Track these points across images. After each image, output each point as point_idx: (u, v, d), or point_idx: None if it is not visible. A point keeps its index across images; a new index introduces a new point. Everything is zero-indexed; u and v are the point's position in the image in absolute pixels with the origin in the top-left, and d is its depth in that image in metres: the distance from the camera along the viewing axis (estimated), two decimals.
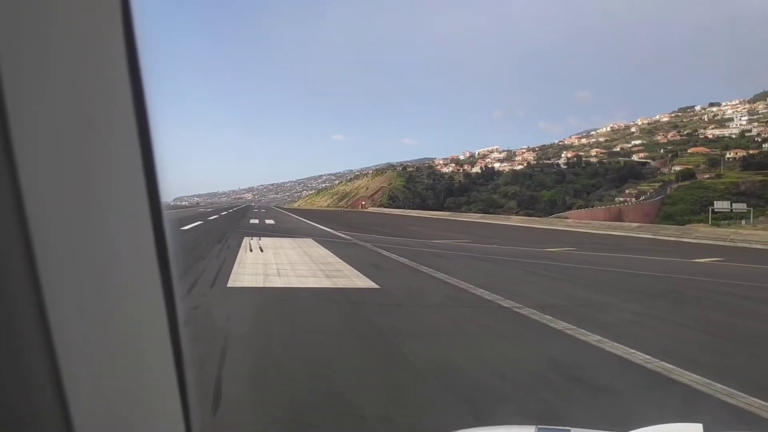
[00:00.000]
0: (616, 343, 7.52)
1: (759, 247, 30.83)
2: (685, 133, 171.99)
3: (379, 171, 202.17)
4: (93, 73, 0.69)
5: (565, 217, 73.28)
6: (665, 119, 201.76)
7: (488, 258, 19.90)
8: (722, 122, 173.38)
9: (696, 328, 9.05)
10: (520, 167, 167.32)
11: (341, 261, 16.74)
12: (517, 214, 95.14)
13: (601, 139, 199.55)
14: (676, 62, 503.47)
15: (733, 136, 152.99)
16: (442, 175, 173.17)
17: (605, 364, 6.76)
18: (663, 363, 6.62)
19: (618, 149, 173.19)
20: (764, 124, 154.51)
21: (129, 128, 0.73)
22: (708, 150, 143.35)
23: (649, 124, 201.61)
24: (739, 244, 32.08)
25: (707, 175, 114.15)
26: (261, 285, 11.94)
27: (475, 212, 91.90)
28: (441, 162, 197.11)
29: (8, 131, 0.58)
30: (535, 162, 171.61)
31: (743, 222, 55.47)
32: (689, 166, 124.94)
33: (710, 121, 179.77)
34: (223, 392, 5.24)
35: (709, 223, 57.84)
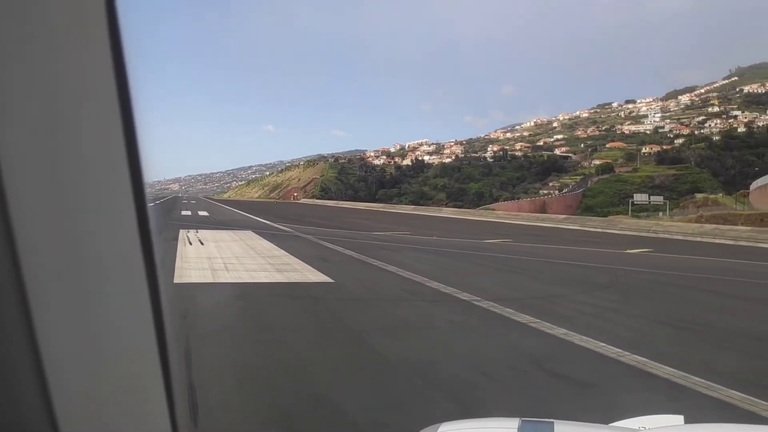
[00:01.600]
0: (583, 336, 7.61)
1: (680, 238, 32.67)
2: (603, 128, 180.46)
3: (311, 162, 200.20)
4: (72, 61, 0.68)
5: (493, 209, 75.12)
6: (585, 115, 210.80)
7: (433, 250, 19.95)
8: (638, 119, 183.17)
9: (654, 320, 9.35)
10: (448, 160, 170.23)
11: (288, 254, 16.27)
12: (446, 206, 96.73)
13: (525, 134, 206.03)
14: (595, 60, 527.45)
15: (648, 132, 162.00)
16: (374, 167, 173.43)
17: (580, 359, 6.80)
18: (635, 356, 6.73)
19: (541, 143, 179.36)
20: (675, 120, 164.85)
21: (113, 127, 0.72)
22: (625, 145, 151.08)
23: (570, 119, 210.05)
24: (662, 235, 33.91)
25: (625, 169, 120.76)
26: (210, 280, 11.37)
27: (406, 204, 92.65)
28: (372, 154, 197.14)
29: None
30: (462, 155, 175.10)
31: (660, 214, 58.86)
32: (608, 161, 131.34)
33: (626, 118, 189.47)
34: (199, 401, 4.83)
35: (629, 214, 60.97)
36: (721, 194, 76.98)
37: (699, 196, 77.19)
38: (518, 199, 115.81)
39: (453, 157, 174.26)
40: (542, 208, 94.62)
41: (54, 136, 0.65)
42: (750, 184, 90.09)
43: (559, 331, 7.94)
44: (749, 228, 34.74)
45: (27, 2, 0.63)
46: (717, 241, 30.89)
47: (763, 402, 5.22)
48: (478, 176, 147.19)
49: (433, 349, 7.06)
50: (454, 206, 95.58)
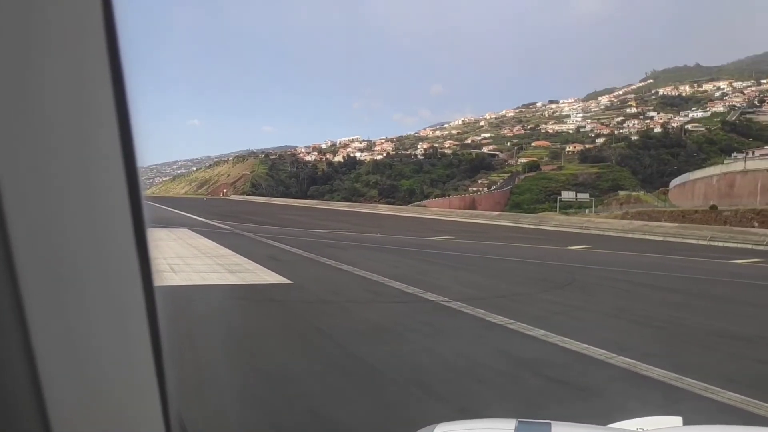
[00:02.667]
0: (564, 338, 7.49)
1: (612, 234, 33.95)
2: (528, 127, 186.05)
3: (241, 158, 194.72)
4: (70, 58, 0.68)
5: (425, 206, 75.88)
6: (511, 114, 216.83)
7: (381, 248, 19.61)
8: (561, 118, 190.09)
9: (622, 318, 9.41)
10: (380, 157, 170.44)
11: (235, 253, 15.46)
12: (378, 202, 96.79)
13: (454, 132, 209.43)
14: (519, 61, 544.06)
15: (570, 132, 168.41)
16: (305, 163, 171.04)
17: (570, 361, 6.63)
18: (623, 357, 6.64)
19: (469, 141, 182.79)
20: (596, 121, 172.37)
21: (109, 125, 0.71)
22: (549, 144, 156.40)
23: (496, 118, 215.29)
24: (594, 232, 35.12)
25: (550, 167, 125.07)
26: (155, 284, 10.49)
27: (338, 200, 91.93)
28: (304, 150, 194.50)
29: None
30: (394, 152, 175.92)
31: (587, 211, 61.23)
32: (534, 159, 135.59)
33: (550, 117, 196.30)
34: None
35: (558, 211, 63.07)
36: (642, 191, 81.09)
37: (622, 193, 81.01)
38: (449, 195, 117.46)
39: (384, 154, 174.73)
40: (472, 205, 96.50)
41: (47, 136, 0.64)
42: (666, 182, 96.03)
43: (539, 333, 7.79)
44: (675, 224, 36.62)
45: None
46: (647, 237, 32.30)
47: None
48: (409, 173, 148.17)
49: (420, 355, 6.71)
50: (386, 203, 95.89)
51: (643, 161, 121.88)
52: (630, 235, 32.89)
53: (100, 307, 0.73)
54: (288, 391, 5.23)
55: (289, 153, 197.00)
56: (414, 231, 29.82)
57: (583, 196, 70.50)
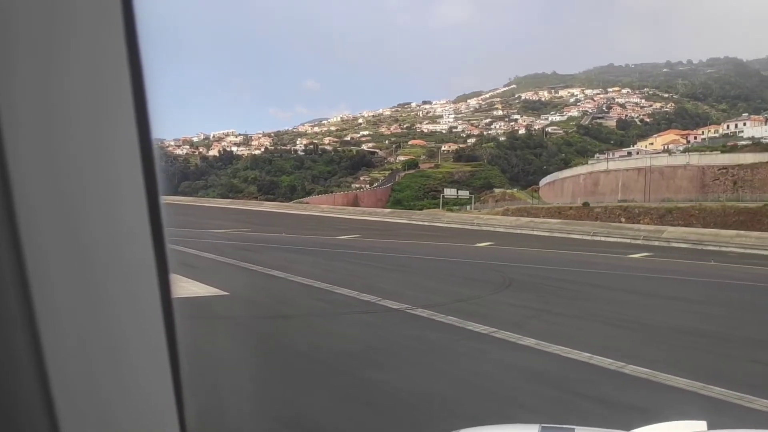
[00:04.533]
0: (562, 347, 7.14)
1: (502, 230, 35.24)
2: (404, 126, 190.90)
3: None
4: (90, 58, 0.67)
5: (308, 203, 74.82)
6: (387, 113, 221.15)
7: (298, 249, 18.52)
8: (434, 118, 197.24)
9: (595, 321, 9.32)
10: (258, 152, 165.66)
11: None
12: (257, 199, 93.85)
13: (333, 128, 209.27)
14: (394, 62, 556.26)
15: (444, 132, 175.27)
16: (176, 157, 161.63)
17: (590, 375, 6.25)
18: (633, 366, 6.40)
19: (349, 138, 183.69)
20: (467, 122, 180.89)
21: (128, 125, 0.71)
22: (425, 143, 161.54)
23: (373, 116, 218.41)
24: (485, 228, 36.25)
25: (428, 165, 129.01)
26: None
27: (214, 197, 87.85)
28: (173, 143, 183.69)
29: None
30: (272, 147, 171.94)
31: (468, 207, 63.79)
32: (412, 157, 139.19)
33: (424, 117, 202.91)
34: None
35: (440, 207, 65.11)
36: (516, 189, 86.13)
37: (497, 190, 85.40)
38: (332, 192, 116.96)
39: (262, 149, 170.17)
40: (355, 202, 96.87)
41: (64, 132, 0.64)
42: (531, 180, 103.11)
43: (530, 342, 7.40)
44: (559, 221, 38.93)
45: None
46: (536, 233, 33.90)
47: None
48: (290, 169, 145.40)
49: (431, 377, 6.01)
50: (266, 199, 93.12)
51: (511, 161, 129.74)
52: (520, 231, 34.34)
53: (115, 306, 0.71)
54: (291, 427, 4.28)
55: (156, 146, 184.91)
56: (317, 230, 28.82)
57: (464, 194, 73.42)
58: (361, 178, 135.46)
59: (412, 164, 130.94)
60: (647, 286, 13.37)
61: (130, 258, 0.72)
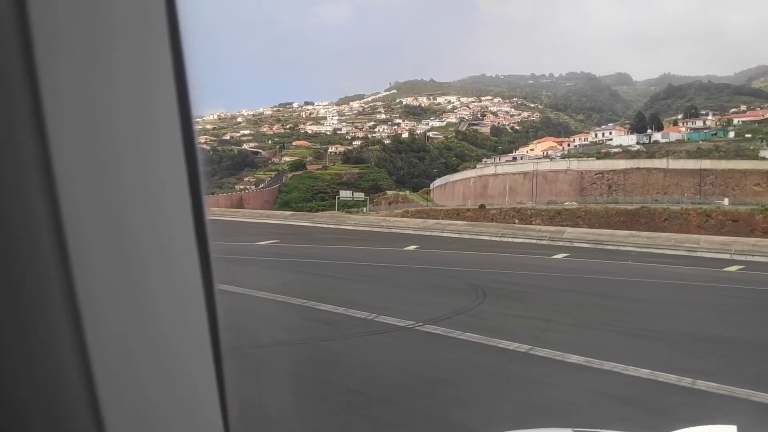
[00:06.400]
0: (605, 361, 7.04)
1: (412, 232, 35.41)
2: (287, 126, 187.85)
3: None
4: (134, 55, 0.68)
5: None
6: (269, 112, 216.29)
7: (232, 258, 16.99)
8: (317, 120, 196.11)
9: (609, 330, 9.33)
10: None
11: None
12: None
13: (209, 127, 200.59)
14: (274, 60, 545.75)
15: (328, 133, 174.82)
16: None
17: (671, 395, 6.10)
18: (704, 381, 6.38)
19: (228, 137, 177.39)
20: (351, 124, 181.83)
21: (172, 123, 0.71)
22: (309, 144, 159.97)
23: (254, 115, 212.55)
24: (396, 231, 36.27)
25: (315, 167, 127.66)
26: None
27: None
28: None
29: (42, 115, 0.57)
30: None
31: (364, 209, 63.79)
32: (299, 158, 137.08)
33: (307, 118, 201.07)
34: None
35: (336, 209, 64.50)
36: (408, 191, 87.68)
37: (390, 193, 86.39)
38: (213, 194, 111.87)
39: None
40: (240, 203, 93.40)
41: (108, 127, 0.64)
42: (416, 182, 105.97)
43: (578, 359, 7.18)
44: (464, 222, 39.91)
45: None
46: (446, 234, 34.47)
47: None
48: None
49: (529, 412, 5.53)
50: None
51: (396, 163, 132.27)
52: (430, 233, 34.75)
53: (160, 304, 0.70)
54: None
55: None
56: (230, 235, 27.01)
57: (359, 195, 73.39)
58: (246, 179, 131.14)
59: (299, 165, 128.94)
60: (614, 290, 13.85)
61: (174, 252, 0.71)
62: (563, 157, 72.50)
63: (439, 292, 12.26)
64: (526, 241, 31.55)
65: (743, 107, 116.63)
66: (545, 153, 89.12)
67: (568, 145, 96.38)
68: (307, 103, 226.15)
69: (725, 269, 19.97)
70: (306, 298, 10.47)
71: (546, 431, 3.34)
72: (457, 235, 33.86)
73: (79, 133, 0.61)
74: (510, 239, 32.31)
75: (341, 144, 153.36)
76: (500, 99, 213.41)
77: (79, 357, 0.61)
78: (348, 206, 68.52)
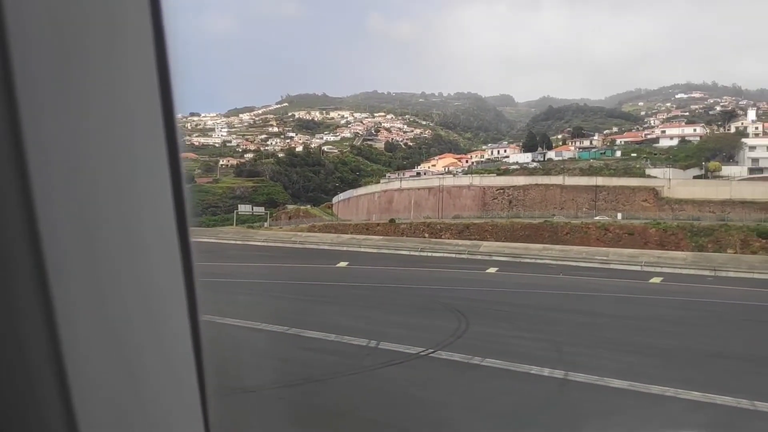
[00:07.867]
0: (649, 385, 6.68)
1: (327, 248, 34.21)
2: None
3: None
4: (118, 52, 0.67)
5: None
6: None
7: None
8: (205, 131, 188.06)
9: (623, 350, 9.08)
10: None
11: None
12: None
13: None
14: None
15: (217, 145, 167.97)
16: None
17: (747, 420, 5.67)
18: (740, 398, 6.05)
19: None
20: (242, 137, 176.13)
21: (155, 122, 0.70)
22: (197, 156, 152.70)
23: None
24: (309, 246, 34.93)
25: (206, 180, 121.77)
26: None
27: None
28: None
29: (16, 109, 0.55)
30: None
31: (265, 224, 61.31)
32: (186, 171, 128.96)
33: (194, 129, 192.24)
34: None
35: (234, 224, 61.57)
36: (309, 205, 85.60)
37: (290, 207, 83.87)
38: None
39: None
40: None
41: (88, 121, 0.63)
42: (311, 196, 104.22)
43: (621, 383, 6.77)
44: (381, 237, 39.35)
45: None
46: (363, 249, 33.76)
47: None
48: None
49: None
50: None
51: (291, 177, 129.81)
52: (347, 249, 33.83)
53: (139, 304, 0.68)
54: None
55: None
56: None
57: (259, 210, 70.79)
58: None
59: (187, 178, 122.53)
60: (580, 305, 13.79)
61: (155, 252, 0.68)
62: (465, 173, 74.62)
63: (421, 314, 11.48)
64: (446, 255, 31.57)
65: (615, 129, 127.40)
66: (447, 169, 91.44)
67: (466, 161, 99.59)
68: (192, 114, 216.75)
69: (650, 281, 20.88)
70: (282, 324, 9.29)
71: None
72: (376, 250, 33.25)
73: (56, 135, 0.58)
74: (430, 254, 32.21)
75: (232, 157, 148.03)
76: (393, 116, 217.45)
77: (52, 360, 0.58)
78: (245, 221, 65.77)
